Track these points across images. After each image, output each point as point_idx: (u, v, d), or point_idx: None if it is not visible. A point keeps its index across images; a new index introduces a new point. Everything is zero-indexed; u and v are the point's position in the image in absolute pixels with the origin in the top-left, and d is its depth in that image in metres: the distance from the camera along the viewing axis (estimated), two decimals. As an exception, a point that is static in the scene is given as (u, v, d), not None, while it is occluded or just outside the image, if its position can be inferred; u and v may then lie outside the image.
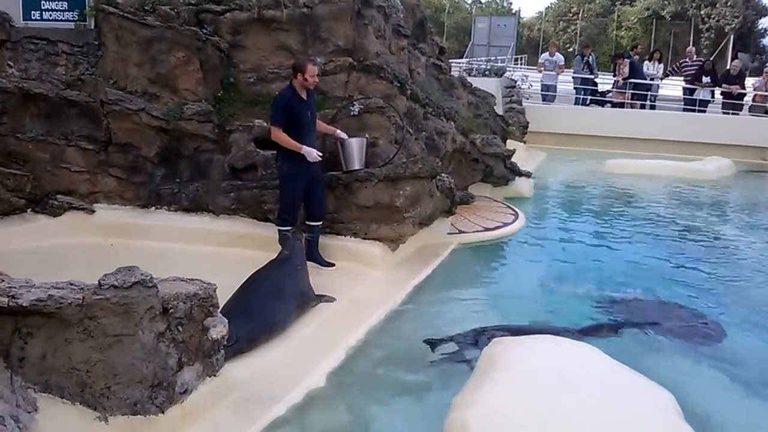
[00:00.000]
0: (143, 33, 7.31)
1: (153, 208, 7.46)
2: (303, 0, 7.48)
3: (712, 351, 5.54)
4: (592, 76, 18.12)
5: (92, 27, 7.89)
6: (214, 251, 6.85)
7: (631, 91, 17.52)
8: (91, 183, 7.47)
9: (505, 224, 8.81)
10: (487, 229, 8.51)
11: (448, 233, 8.14)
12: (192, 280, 4.01)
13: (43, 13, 8.12)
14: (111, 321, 3.49)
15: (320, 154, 6.53)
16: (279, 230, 6.64)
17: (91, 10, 7.89)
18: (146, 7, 7.42)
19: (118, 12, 7.34)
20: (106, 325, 3.50)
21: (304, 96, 6.51)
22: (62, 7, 8.15)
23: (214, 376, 4.05)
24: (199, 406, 3.87)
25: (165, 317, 3.68)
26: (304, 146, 6.41)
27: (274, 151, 6.81)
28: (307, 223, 6.75)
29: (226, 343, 4.14)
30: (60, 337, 3.54)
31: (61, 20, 8.14)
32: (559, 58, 18.51)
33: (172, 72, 7.37)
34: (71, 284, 3.56)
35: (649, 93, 17.70)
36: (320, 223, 6.78)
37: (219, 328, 4.00)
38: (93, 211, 7.36)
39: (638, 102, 17.52)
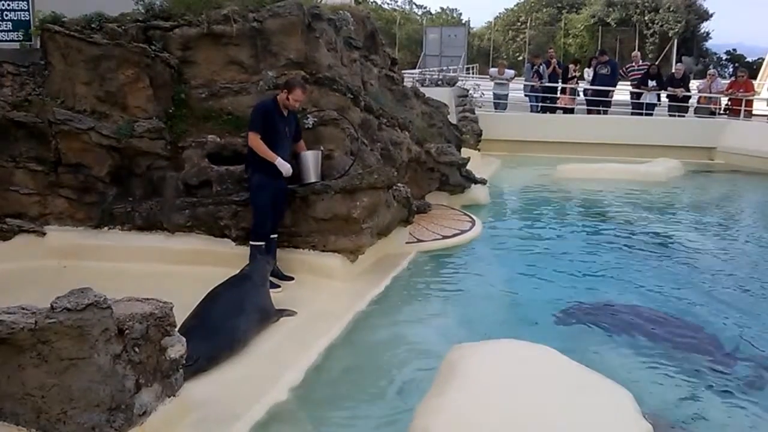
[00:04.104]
0: (90, 51, 7.22)
1: (106, 228, 7.34)
2: (253, 14, 7.47)
3: (672, 349, 5.63)
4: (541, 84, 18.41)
5: (38, 46, 7.75)
6: (170, 270, 6.75)
7: (590, 98, 17.95)
8: (42, 205, 7.33)
9: (463, 231, 8.88)
10: (444, 237, 8.56)
11: (407, 242, 8.17)
12: (148, 299, 3.95)
13: (-13, 33, 7.96)
14: (65, 344, 3.42)
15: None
16: (251, 245, 6.55)
17: (36, 30, 7.75)
18: (93, 25, 7.35)
19: (64, 31, 7.25)
20: (61, 349, 3.43)
21: (284, 113, 6.56)
22: (6, 27, 8.00)
23: (174, 396, 3.99)
24: (159, 427, 3.80)
25: (121, 338, 3.61)
26: (279, 158, 6.42)
27: (233, 166, 6.73)
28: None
29: (185, 362, 4.09)
30: (13, 363, 3.46)
31: (6, 40, 7.98)
32: (509, 73, 18.86)
33: (121, 90, 7.29)
34: (23, 308, 3.48)
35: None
36: (276, 235, 6.75)
37: (177, 348, 3.95)
38: (44, 234, 7.21)
39: (599, 108, 17.84)
